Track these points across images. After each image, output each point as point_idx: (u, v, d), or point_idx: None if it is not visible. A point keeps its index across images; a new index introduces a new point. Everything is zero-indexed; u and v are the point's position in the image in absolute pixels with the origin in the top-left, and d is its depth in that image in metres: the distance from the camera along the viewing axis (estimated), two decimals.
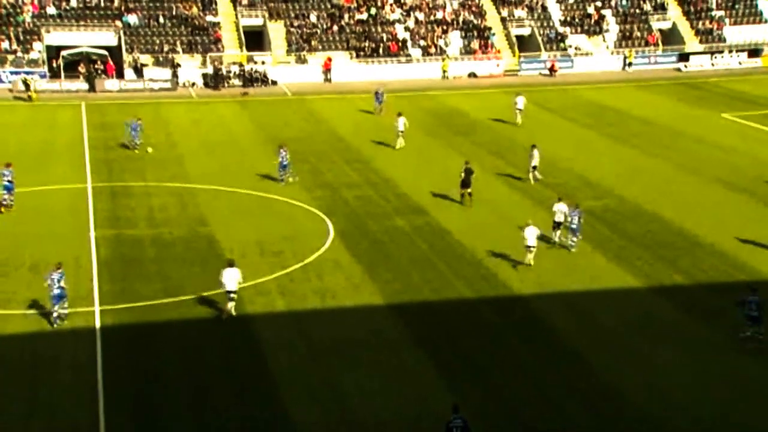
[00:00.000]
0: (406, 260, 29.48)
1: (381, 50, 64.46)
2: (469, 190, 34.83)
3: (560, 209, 30.41)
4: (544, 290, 27.31)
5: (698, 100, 54.57)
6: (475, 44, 66.17)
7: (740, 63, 65.51)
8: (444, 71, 63.59)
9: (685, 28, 68.22)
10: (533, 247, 28.59)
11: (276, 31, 64.32)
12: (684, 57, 66.11)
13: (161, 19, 63.85)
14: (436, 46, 65.44)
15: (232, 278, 25.07)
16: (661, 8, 69.44)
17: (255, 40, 64.40)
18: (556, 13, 69.29)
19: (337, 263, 29.12)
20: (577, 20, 68.62)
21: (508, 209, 34.43)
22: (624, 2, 69.86)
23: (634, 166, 40.31)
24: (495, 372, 22.69)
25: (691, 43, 67.31)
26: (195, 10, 64.50)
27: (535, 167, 37.54)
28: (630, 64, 65.46)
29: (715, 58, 65.84)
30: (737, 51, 66.17)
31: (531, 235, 28.53)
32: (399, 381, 22.11)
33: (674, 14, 69.14)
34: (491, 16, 68.42)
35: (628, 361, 23.07)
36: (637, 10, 69.26)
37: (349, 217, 33.69)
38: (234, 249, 29.82)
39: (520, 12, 69.11)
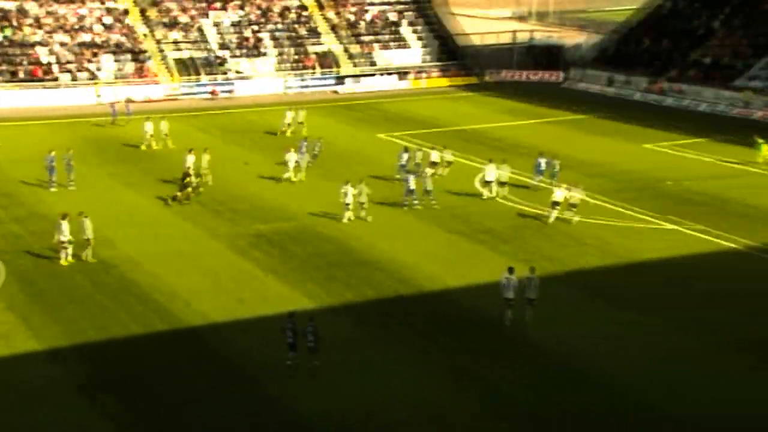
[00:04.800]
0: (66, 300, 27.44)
1: (23, 74, 60.38)
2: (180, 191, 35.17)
3: (348, 191, 34.84)
4: (217, 320, 26.77)
5: (356, 121, 57.21)
6: (130, 68, 64.06)
7: (391, 85, 69.89)
8: (98, 96, 60.77)
9: (339, 51, 71.47)
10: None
11: None
12: (340, 80, 69.21)
13: None
14: (87, 70, 62.44)
15: None
16: (315, 33, 72.15)
17: None
18: (213, 36, 69.25)
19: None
20: (235, 44, 69.11)
21: (179, 238, 33.43)
22: (280, 26, 71.64)
23: (302, 188, 41.04)
24: (185, 409, 21.67)
25: (346, 66, 70.67)
26: None
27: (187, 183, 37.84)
28: (289, 87, 67.19)
29: (369, 80, 69.65)
30: (388, 74, 70.57)
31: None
32: None
33: (329, 39, 72.18)
34: (146, 39, 66.71)
35: (309, 384, 23.18)
36: (294, 35, 71.36)
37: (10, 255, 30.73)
38: None
39: (175, 34, 68.13)
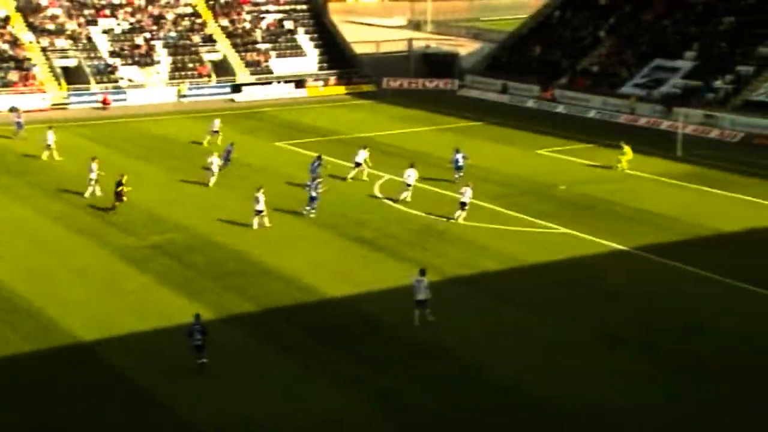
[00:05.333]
0: None
1: None
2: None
3: (260, 198, 35.13)
4: (111, 334, 26.31)
5: (254, 129, 56.95)
6: (13, 76, 62.10)
7: (288, 93, 69.86)
8: None
9: (235, 60, 70.98)
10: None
11: None
12: (237, 88, 68.75)
13: None
14: None
15: None
16: (210, 40, 71.50)
17: None
18: (103, 44, 67.83)
19: None
20: (126, 51, 67.85)
21: (67, 251, 32.61)
22: (173, 34, 70.70)
23: (199, 198, 40.67)
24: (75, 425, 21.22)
25: (243, 74, 70.24)
26: None
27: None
28: (183, 96, 66.40)
29: (265, 88, 69.44)
30: (285, 82, 70.50)
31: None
32: None
33: (223, 46, 71.63)
34: (30, 46, 64.81)
35: (207, 394, 23.04)
36: (187, 42, 70.54)
37: None
38: None
39: (62, 42, 66.44)
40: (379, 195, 40.94)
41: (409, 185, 39.77)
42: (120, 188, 37.34)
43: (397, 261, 32.69)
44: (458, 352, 25.51)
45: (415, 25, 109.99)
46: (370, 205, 39.77)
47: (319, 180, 38.93)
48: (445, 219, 36.89)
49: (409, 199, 39.59)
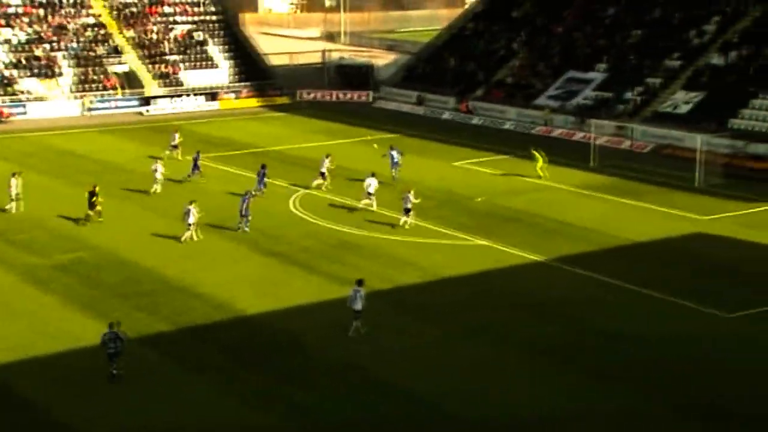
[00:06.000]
0: None
1: None
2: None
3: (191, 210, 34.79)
4: (14, 357, 25.41)
5: (165, 143, 55.94)
6: None
7: (200, 106, 68.91)
8: None
9: (143, 71, 69.69)
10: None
11: None
12: (146, 101, 67.46)
13: None
14: None
15: None
16: (116, 52, 70.02)
17: None
18: (0, 54, 65.77)
19: None
20: (25, 63, 65.89)
21: None
22: (76, 45, 68.97)
23: (111, 214, 39.66)
24: None
25: (152, 86, 68.99)
26: None
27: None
28: (90, 109, 64.82)
29: (177, 101, 68.35)
30: (196, 94, 69.53)
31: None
32: None
33: (131, 58, 70.24)
34: None
35: (115, 415, 22.36)
36: (92, 53, 68.91)
37: None
38: None
39: None
40: (297, 210, 40.62)
41: (370, 194, 40.14)
42: (94, 199, 37.62)
43: (314, 276, 32.45)
44: (377, 369, 25.38)
45: (330, 37, 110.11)
46: (287, 219, 39.40)
47: (254, 193, 38.76)
48: (403, 222, 37.51)
49: (374, 207, 39.76)
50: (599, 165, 49.47)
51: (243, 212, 36.87)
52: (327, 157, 44.25)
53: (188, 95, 69.05)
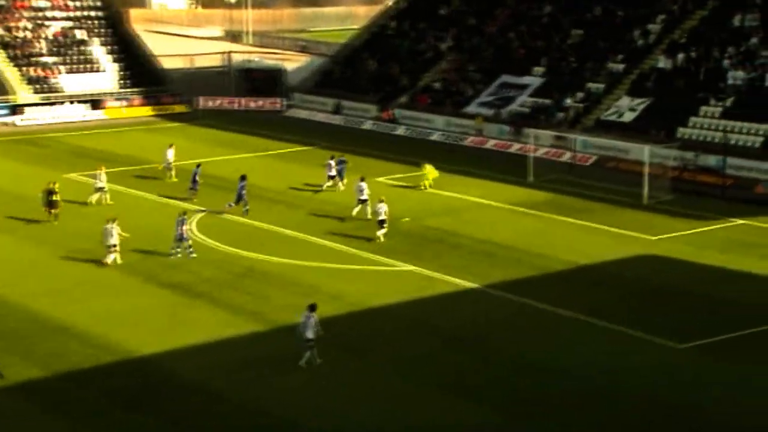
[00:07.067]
0: None
1: None
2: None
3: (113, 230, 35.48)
4: None
5: (40, 158, 54.91)
6: None
7: (84, 116, 67.82)
8: None
9: (13, 75, 68.27)
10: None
11: None
12: (17, 109, 66.10)
13: None
14: None
15: None
16: None
17: None
18: None
19: None
20: None
21: None
22: None
23: None
24: None
25: (24, 92, 67.63)
26: None
27: None
28: None
29: (54, 110, 67.13)
30: (78, 102, 68.43)
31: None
32: None
33: None
34: None
35: None
36: None
37: None
38: None
39: None
40: (197, 234, 40.20)
41: (362, 200, 41.79)
42: (52, 196, 40.24)
43: (214, 308, 32.15)
44: (280, 409, 25.25)
45: (234, 37, 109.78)
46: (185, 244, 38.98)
47: (231, 205, 41.80)
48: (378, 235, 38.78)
49: (369, 216, 41.18)
50: (537, 180, 50.24)
51: (180, 236, 36.67)
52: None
53: (68, 103, 67.91)
